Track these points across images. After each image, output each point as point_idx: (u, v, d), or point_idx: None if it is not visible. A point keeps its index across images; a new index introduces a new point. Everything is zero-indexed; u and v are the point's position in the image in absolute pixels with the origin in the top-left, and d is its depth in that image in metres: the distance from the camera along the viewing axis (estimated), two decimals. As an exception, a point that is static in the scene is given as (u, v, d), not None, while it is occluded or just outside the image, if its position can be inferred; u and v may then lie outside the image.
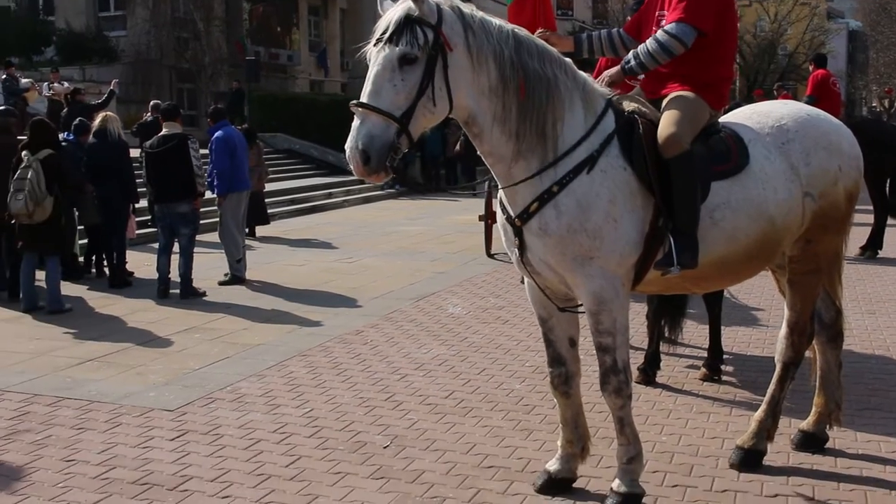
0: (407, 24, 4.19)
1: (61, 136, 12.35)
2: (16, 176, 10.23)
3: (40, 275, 10.88)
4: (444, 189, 27.34)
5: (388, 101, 4.14)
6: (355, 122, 4.15)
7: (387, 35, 4.20)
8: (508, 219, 4.75)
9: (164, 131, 11.54)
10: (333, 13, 49.07)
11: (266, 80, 36.87)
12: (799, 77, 53.97)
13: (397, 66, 4.16)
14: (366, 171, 4.14)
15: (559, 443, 5.26)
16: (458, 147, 26.42)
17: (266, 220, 16.85)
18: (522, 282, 11.27)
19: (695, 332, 8.62)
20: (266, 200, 17.30)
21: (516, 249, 4.76)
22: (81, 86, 23.85)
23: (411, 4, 4.23)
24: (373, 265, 13.48)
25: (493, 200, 13.86)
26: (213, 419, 6.55)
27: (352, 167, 4.19)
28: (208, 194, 12.53)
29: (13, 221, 10.32)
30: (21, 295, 10.70)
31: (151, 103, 17.50)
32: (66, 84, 22.07)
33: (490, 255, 13.93)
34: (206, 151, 12.62)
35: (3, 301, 11.12)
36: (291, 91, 39.97)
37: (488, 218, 13.96)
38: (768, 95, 28.91)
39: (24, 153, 10.40)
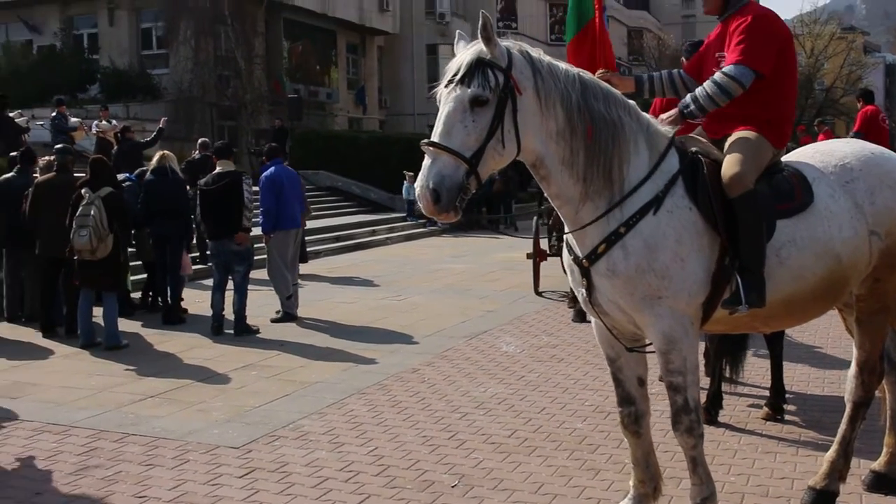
0: (479, 67, 4.26)
1: (121, 175, 12.58)
2: (78, 213, 10.40)
3: (97, 310, 11.00)
4: (487, 226, 27.41)
5: (458, 142, 4.19)
6: (426, 162, 4.20)
7: (458, 76, 4.27)
8: (576, 260, 4.78)
9: (218, 169, 11.69)
10: (371, 51, 49.65)
11: (306, 117, 37.25)
12: (836, 112, 53.70)
13: (468, 108, 4.22)
14: (436, 210, 4.19)
15: (631, 483, 5.25)
16: (499, 184, 26.63)
17: (304, 257, 16.87)
18: (576, 320, 11.42)
19: (755, 371, 8.58)
20: (309, 237, 17.42)
21: (584, 290, 4.78)
22: (125, 122, 24.14)
23: (483, 47, 4.30)
24: (422, 303, 13.54)
25: (541, 238, 14.18)
26: (279, 457, 6.60)
27: (421, 205, 4.23)
28: (257, 231, 12.57)
29: (75, 257, 10.45)
30: (79, 331, 10.82)
31: (199, 141, 17.64)
32: (113, 122, 22.33)
33: (538, 293, 13.94)
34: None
35: (60, 337, 11.27)
36: (331, 128, 40.33)
37: (536, 256, 13.97)
38: (808, 130, 28.84)
39: (84, 190, 10.55)
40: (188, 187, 12.95)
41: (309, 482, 6.04)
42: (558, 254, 14.56)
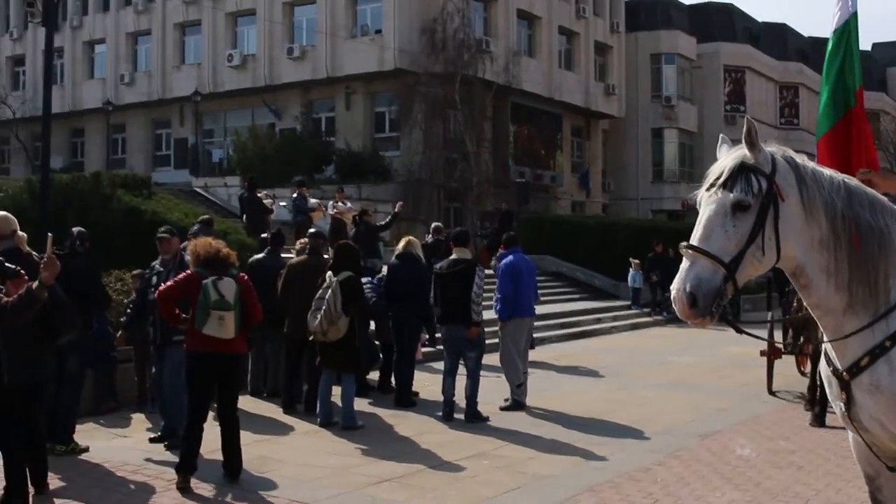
0: (742, 172, 4.24)
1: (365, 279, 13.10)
2: (317, 295, 10.78)
3: (335, 389, 11.30)
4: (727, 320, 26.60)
5: (718, 246, 4.16)
6: (684, 264, 4.18)
7: (721, 180, 4.25)
8: (835, 372, 4.61)
9: (454, 255, 11.87)
10: (596, 134, 49.94)
11: (530, 200, 37.72)
12: None
13: (730, 212, 4.19)
14: (692, 315, 4.15)
15: None
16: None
17: (531, 344, 16.86)
18: (814, 424, 10.91)
19: None
20: (535, 324, 17.42)
21: (842, 404, 4.59)
22: (357, 204, 25.19)
23: (747, 153, 4.28)
24: (651, 397, 13.33)
25: (776, 335, 13.67)
26: (515, 553, 6.59)
27: (676, 309, 4.20)
28: (488, 316, 12.67)
29: (311, 338, 10.83)
30: (318, 410, 11.19)
31: (433, 226, 18.26)
32: (348, 204, 23.18)
33: (772, 393, 13.48)
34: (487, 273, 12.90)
35: (300, 414, 11.68)
36: (554, 212, 40.59)
37: (771, 353, 13.54)
38: None
39: (328, 274, 10.98)
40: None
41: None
42: (793, 352, 14.11)
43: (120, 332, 11.03)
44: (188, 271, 8.46)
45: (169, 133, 47.38)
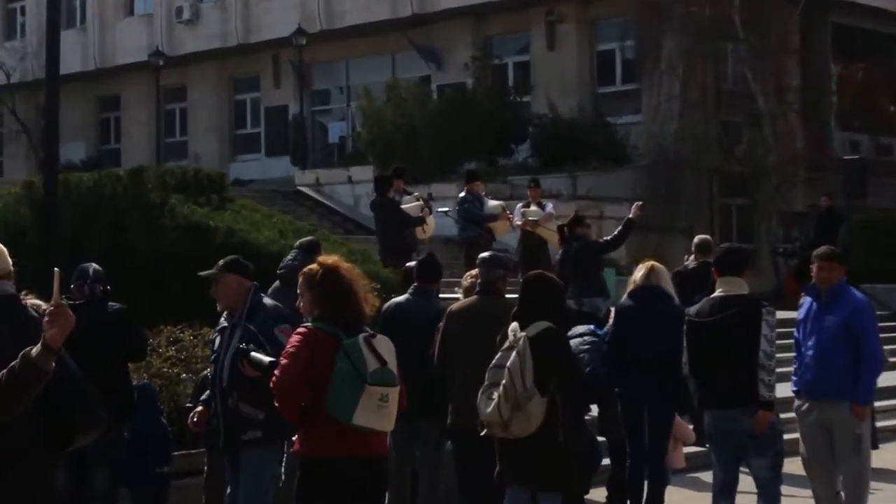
0: None
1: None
2: (493, 362, 7.22)
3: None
4: None
5: None
6: None
7: None
8: None
9: (719, 291, 8.00)
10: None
11: (872, 189, 22.48)
12: None
13: None
14: None
15: None
16: None
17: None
18: None
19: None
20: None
21: None
22: (568, 207, 17.75)
23: None
24: None
25: None
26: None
27: None
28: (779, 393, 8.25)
29: (483, 432, 7.28)
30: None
31: (696, 241, 12.23)
32: (549, 207, 15.52)
33: None
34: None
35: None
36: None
37: None
38: None
39: (511, 325, 7.22)
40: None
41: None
42: None
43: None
44: (303, 327, 5.76)
45: (256, 99, 32.80)
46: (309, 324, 5.72)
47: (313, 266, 5.94)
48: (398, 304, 8.84)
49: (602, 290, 12.44)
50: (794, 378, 8.14)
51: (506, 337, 7.18)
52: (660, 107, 24.03)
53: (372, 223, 16.15)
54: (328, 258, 6.12)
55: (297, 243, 10.22)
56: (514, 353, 7.04)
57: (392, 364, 5.84)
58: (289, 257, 9.74)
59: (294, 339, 5.76)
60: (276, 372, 5.78)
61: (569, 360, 7.26)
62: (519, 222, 14.90)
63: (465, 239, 15.27)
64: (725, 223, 24.65)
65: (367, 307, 5.95)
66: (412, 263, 9.52)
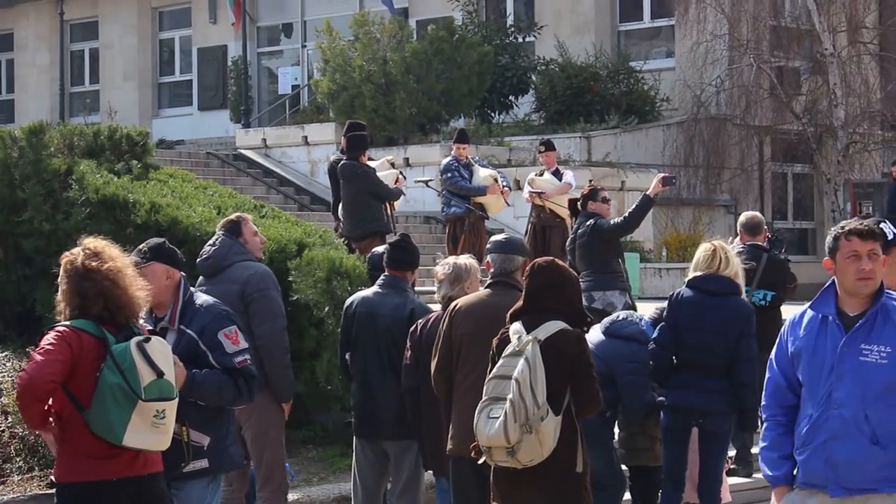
0: None
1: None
2: (494, 371, 6.31)
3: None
4: None
5: None
6: None
7: None
8: None
9: None
10: None
11: None
12: None
13: None
14: None
15: None
16: None
17: None
18: None
19: None
20: None
21: None
22: (582, 175, 15.41)
23: None
24: None
25: None
26: None
27: None
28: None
29: (481, 460, 6.36)
30: None
31: (742, 218, 9.31)
32: (567, 175, 13.18)
33: None
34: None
35: None
36: None
37: None
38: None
39: (513, 327, 6.30)
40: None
41: None
42: None
43: None
44: (63, 326, 5.05)
45: (187, 38, 27.22)
46: (68, 322, 5.08)
47: (75, 250, 5.30)
48: (364, 300, 7.64)
49: (618, 281, 10.39)
50: (774, 456, 4.61)
51: (506, 340, 6.19)
52: (698, 48, 19.53)
53: (331, 199, 13.45)
54: (92, 241, 5.39)
55: (220, 224, 8.15)
56: (521, 361, 6.03)
57: (170, 373, 5.29)
58: (209, 243, 7.88)
59: (51, 336, 5.11)
60: (24, 368, 5.25)
61: (588, 369, 6.20)
62: (526, 195, 12.84)
63: (450, 216, 13.09)
64: (779, 196, 20.80)
65: (138, 303, 5.29)
66: (380, 249, 8.07)
